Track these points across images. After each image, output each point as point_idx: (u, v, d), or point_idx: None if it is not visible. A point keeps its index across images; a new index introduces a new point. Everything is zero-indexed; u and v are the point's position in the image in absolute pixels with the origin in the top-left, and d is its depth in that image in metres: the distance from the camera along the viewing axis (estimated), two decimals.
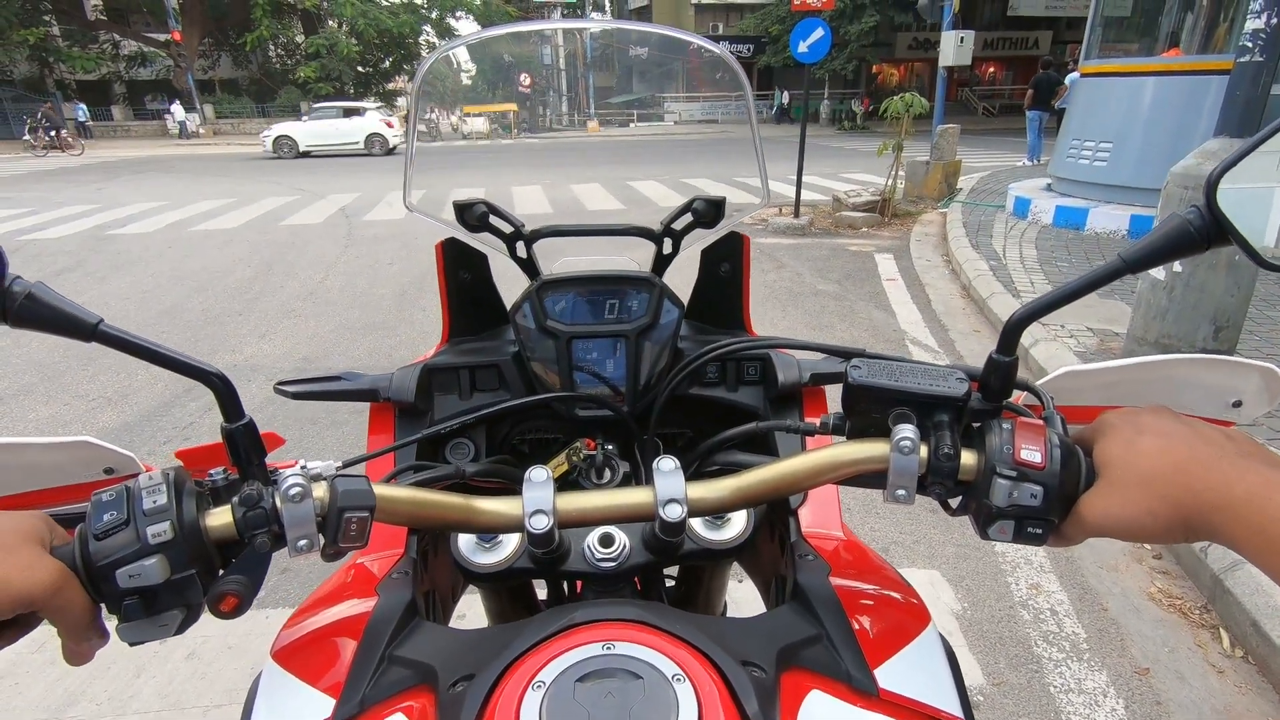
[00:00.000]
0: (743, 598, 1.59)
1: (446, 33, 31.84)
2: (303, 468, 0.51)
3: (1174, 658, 1.87)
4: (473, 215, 0.75)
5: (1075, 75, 8.81)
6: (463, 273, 0.84)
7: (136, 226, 8.43)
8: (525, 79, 36.40)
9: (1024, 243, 6.12)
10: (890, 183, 7.85)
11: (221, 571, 0.45)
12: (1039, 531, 0.46)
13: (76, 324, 0.46)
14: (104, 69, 27.44)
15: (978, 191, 8.98)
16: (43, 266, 6.43)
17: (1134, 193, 6.19)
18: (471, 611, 0.83)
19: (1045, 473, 0.44)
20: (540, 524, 0.49)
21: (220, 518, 0.45)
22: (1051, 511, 0.45)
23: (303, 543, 0.45)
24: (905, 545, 2.36)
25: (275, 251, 6.99)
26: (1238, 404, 0.58)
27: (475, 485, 0.74)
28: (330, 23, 27.48)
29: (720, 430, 0.69)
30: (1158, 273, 3.16)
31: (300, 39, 29.59)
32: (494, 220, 0.76)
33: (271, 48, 29.23)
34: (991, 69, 31.24)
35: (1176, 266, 3.05)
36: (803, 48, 7.01)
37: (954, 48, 8.67)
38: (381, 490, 0.48)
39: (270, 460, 0.54)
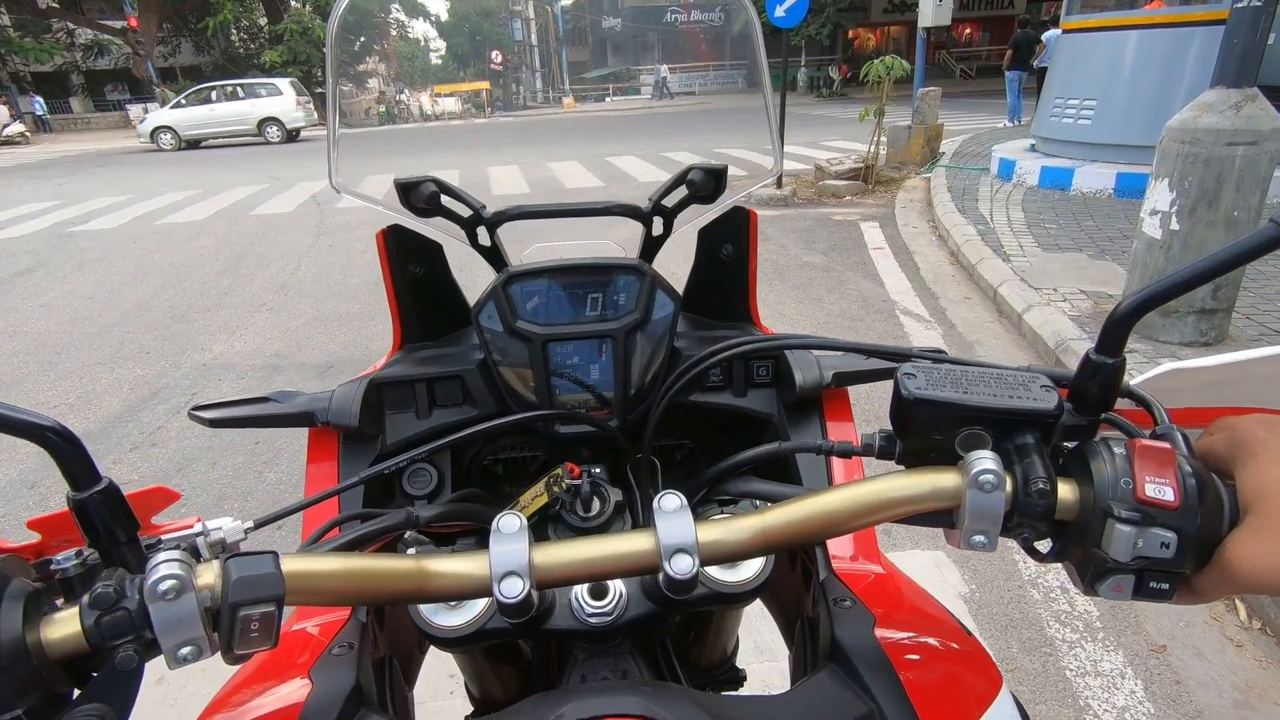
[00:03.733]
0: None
1: (415, 11, 31.04)
2: (200, 533, 0.40)
3: (1190, 633, 1.81)
4: (420, 197, 0.62)
5: (1054, 33, 8.68)
6: (413, 266, 0.71)
7: (100, 222, 8.14)
8: (497, 56, 35.60)
9: (1010, 205, 6.03)
10: (872, 149, 7.72)
11: (76, 694, 0.34)
12: (1166, 587, 0.36)
13: None
14: (59, 59, 26.51)
15: (961, 155, 8.87)
16: (1, 268, 6.17)
17: (1120, 150, 6.10)
18: (446, 660, 0.71)
19: (1179, 513, 0.34)
20: (513, 590, 0.38)
21: (65, 627, 0.33)
22: (1185, 563, 0.35)
23: (185, 651, 0.33)
24: (903, 526, 2.28)
25: (245, 243, 6.77)
26: None
27: (434, 532, 0.63)
28: (295, 4, 26.65)
29: (725, 440, 0.58)
30: (1154, 231, 3.08)
31: (263, 21, 28.71)
32: (447, 202, 0.63)
33: (234, 32, 28.34)
34: (968, 30, 30.95)
35: (1174, 224, 2.97)
36: (780, 12, 6.82)
37: (933, 8, 8.48)
38: (298, 565, 0.36)
39: (161, 521, 0.42)
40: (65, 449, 0.35)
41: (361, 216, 7.63)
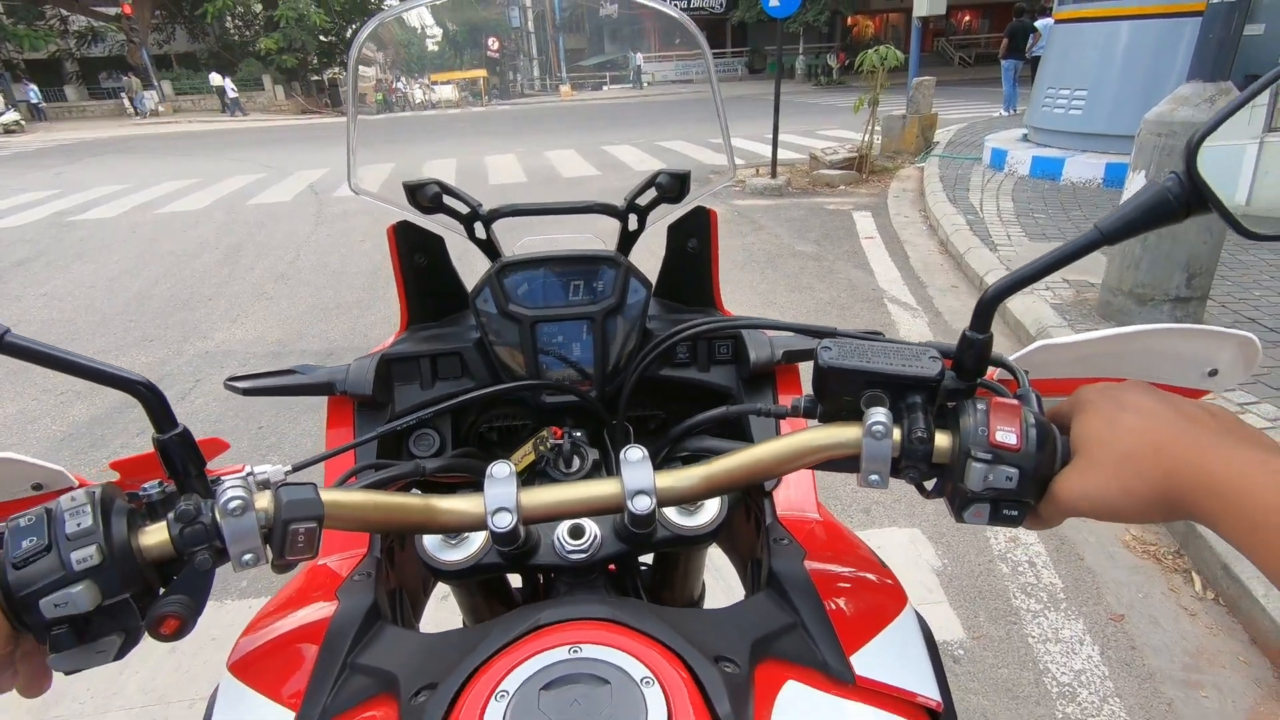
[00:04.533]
0: (727, 569, 1.60)
1: None
2: (249, 474, 0.49)
3: (1148, 603, 1.92)
4: (425, 196, 0.71)
5: (1048, 22, 8.71)
6: (418, 257, 0.81)
7: (98, 211, 8.19)
8: (494, 44, 35.46)
9: (1001, 195, 6.11)
10: (866, 138, 7.78)
11: (162, 591, 0.43)
12: (1015, 514, 0.45)
13: None
14: (53, 47, 26.35)
15: (955, 144, 8.93)
16: (1, 258, 6.24)
17: (1109, 140, 6.17)
18: (448, 603, 0.81)
19: (1021, 454, 0.43)
20: (503, 522, 0.47)
21: (156, 535, 0.42)
22: (1027, 494, 0.44)
23: (247, 557, 0.42)
24: (885, 504, 2.38)
25: (244, 232, 6.83)
26: (1213, 373, 0.57)
27: (438, 481, 0.72)
28: None
29: (693, 411, 0.67)
30: None
31: (258, 8, 28.52)
32: (449, 201, 0.73)
33: (229, 19, 28.17)
34: (967, 17, 30.87)
35: None
36: (774, 1, 6.85)
37: None
38: (332, 496, 0.46)
39: (214, 467, 0.51)
40: (153, 400, 0.45)
41: (358, 206, 7.69)
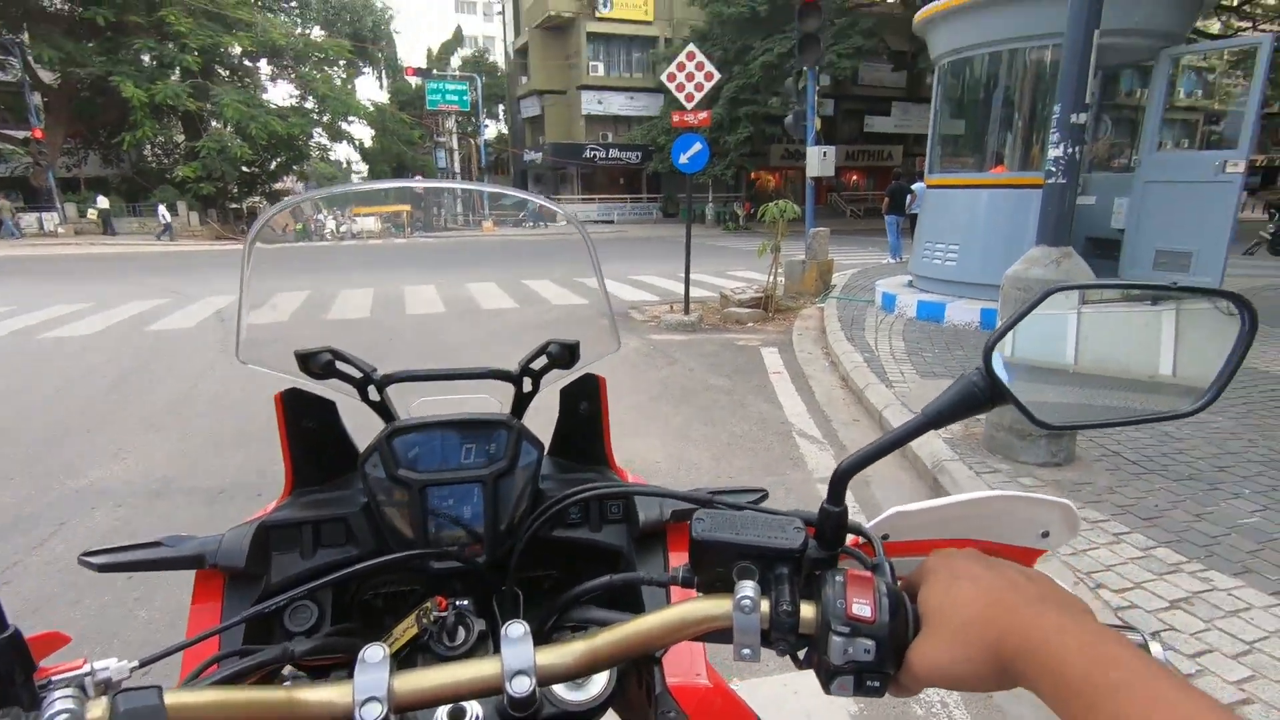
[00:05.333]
0: None
1: (339, 135, 31.88)
2: (88, 673, 0.45)
3: None
4: (317, 365, 0.72)
5: (922, 185, 9.92)
6: (307, 421, 0.80)
7: None
8: (419, 181, 36.76)
9: (893, 335, 6.63)
10: (771, 280, 8.38)
11: None
12: (877, 685, 0.46)
13: None
14: None
15: (850, 288, 9.72)
16: None
17: (982, 288, 6.90)
18: None
19: (876, 626, 0.45)
20: (373, 714, 0.45)
21: None
22: (886, 664, 0.45)
23: None
24: None
25: (138, 359, 6.48)
26: (1046, 534, 0.64)
27: (309, 665, 0.68)
28: (215, 124, 26.88)
29: (586, 571, 0.68)
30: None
31: (180, 138, 28.69)
32: (342, 366, 0.74)
33: (149, 147, 28.13)
34: (855, 177, 34.62)
35: None
36: (684, 159, 7.53)
37: (819, 161, 9.58)
38: (178, 699, 0.42)
39: (50, 664, 0.47)
40: None
41: (273, 332, 7.48)
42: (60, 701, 0.39)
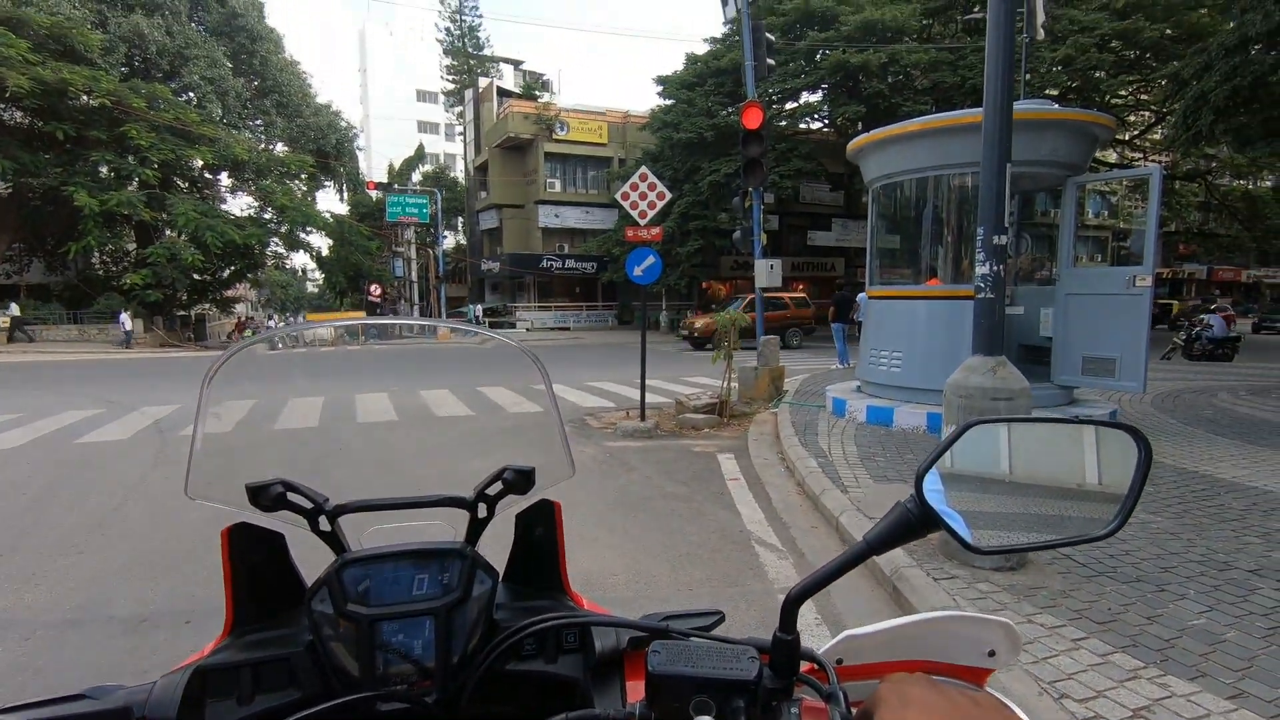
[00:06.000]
0: None
1: (296, 244, 32.16)
2: None
3: None
4: (268, 497, 0.71)
5: (864, 295, 10.46)
6: (253, 556, 0.77)
7: None
8: (375, 289, 37.05)
9: (845, 439, 6.75)
10: (725, 386, 8.54)
11: None
12: None
13: None
14: None
15: (802, 393, 9.96)
16: None
17: (926, 393, 7.16)
18: None
19: None
20: None
21: None
22: None
23: None
24: None
25: (63, 474, 6.11)
26: (992, 653, 0.66)
27: None
28: (169, 232, 26.88)
29: (542, 704, 0.66)
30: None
31: (131, 246, 28.51)
32: (293, 497, 0.73)
33: (97, 255, 27.81)
34: (800, 286, 36.26)
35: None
36: (638, 271, 7.81)
37: (766, 272, 10.05)
38: None
39: None
40: None
41: (221, 460, 7.18)
42: None
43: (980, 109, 3.92)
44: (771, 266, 10.04)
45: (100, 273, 28.74)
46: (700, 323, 21.20)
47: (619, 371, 13.44)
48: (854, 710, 0.51)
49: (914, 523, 0.53)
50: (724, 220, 24.76)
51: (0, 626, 3.25)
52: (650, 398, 8.45)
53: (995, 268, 3.58)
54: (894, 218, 8.71)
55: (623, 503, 5.15)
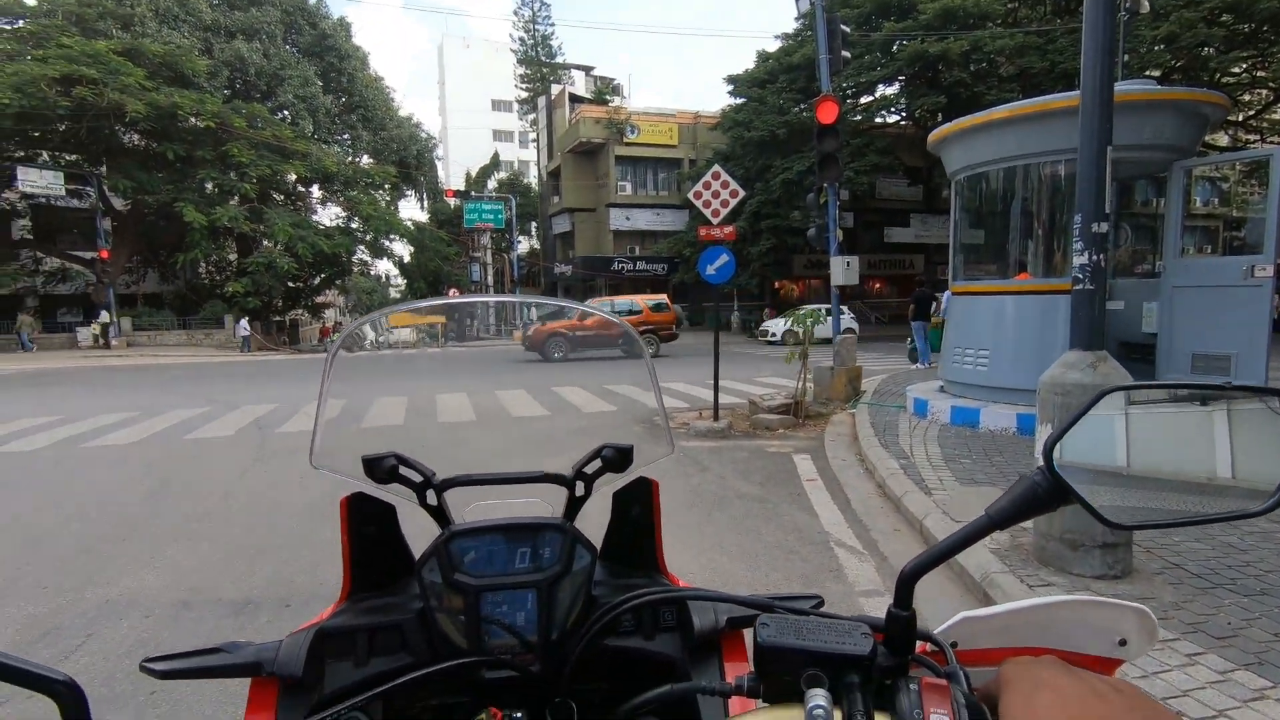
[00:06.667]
0: None
1: (380, 252, 33.68)
2: None
3: None
4: (382, 469, 0.75)
5: (948, 293, 10.04)
6: (367, 527, 0.81)
7: (20, 444, 7.84)
8: (454, 293, 38.32)
9: (928, 441, 6.50)
10: (800, 386, 8.37)
11: None
12: None
13: None
14: (19, 284, 27.13)
15: (880, 393, 9.66)
16: None
17: (1016, 393, 6.80)
18: None
19: None
20: None
21: None
22: None
23: None
24: None
25: (174, 468, 6.59)
26: (1123, 643, 0.61)
27: None
28: (266, 243, 28.66)
29: (639, 682, 0.66)
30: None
31: (233, 257, 30.55)
32: (404, 470, 0.76)
33: (203, 265, 29.94)
34: (878, 284, 35.20)
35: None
36: (711, 270, 7.77)
37: (842, 270, 9.80)
38: None
39: None
40: (72, 703, 0.42)
41: (304, 442, 7.59)
42: None
43: (1074, 93, 3.68)
44: (848, 264, 9.78)
45: (206, 281, 30.92)
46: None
47: (691, 372, 13.40)
48: (975, 693, 0.48)
49: (1043, 495, 0.50)
50: (796, 218, 24.28)
51: (126, 604, 3.53)
52: (723, 398, 8.37)
53: (1095, 257, 3.36)
54: (979, 210, 8.33)
55: (697, 503, 5.12)
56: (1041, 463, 0.51)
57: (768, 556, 4.09)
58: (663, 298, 21.76)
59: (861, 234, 32.01)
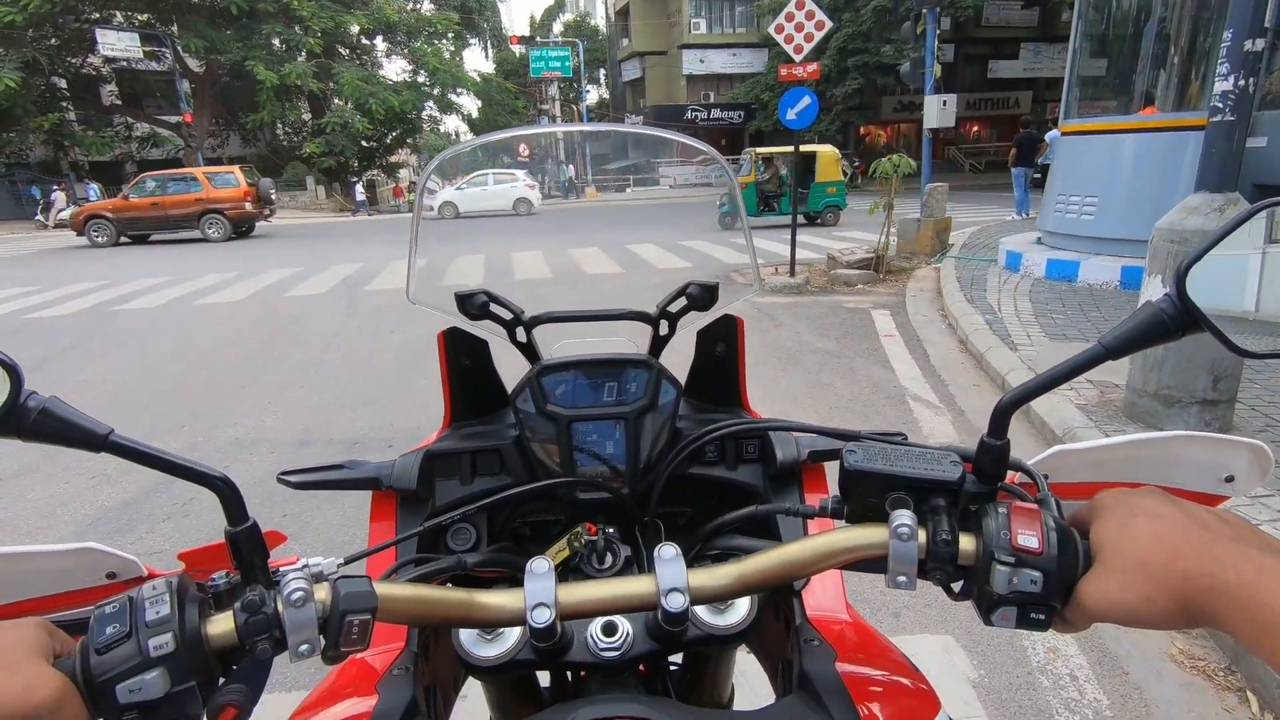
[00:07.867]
0: (752, 675, 1.54)
1: (448, 107, 33.02)
2: (304, 567, 0.51)
3: None
4: (474, 305, 0.77)
5: (1056, 133, 9.09)
6: (464, 360, 0.85)
7: (140, 302, 8.56)
8: (524, 149, 37.58)
9: (1018, 296, 6.19)
10: (883, 239, 8.00)
11: (221, 680, 0.45)
12: (1042, 618, 0.45)
13: (88, 436, 0.46)
14: (117, 150, 28.35)
15: (969, 246, 9.13)
16: (45, 345, 6.50)
17: (1123, 244, 6.29)
18: (473, 692, 0.81)
19: (1043, 558, 0.44)
20: (542, 617, 0.49)
21: (222, 625, 0.44)
22: (1053, 597, 0.45)
23: (304, 647, 0.44)
24: (917, 609, 2.30)
25: (278, 324, 7.08)
26: (1230, 479, 0.58)
27: (474, 576, 0.73)
28: (337, 101, 28.52)
29: (721, 509, 0.69)
30: None
31: (307, 117, 30.69)
32: (494, 308, 0.78)
33: (280, 126, 30.26)
34: (976, 128, 32.22)
35: None
36: (791, 115, 7.26)
37: (938, 111, 8.98)
38: (383, 589, 0.48)
39: (272, 559, 0.54)
40: (229, 495, 0.48)
41: (390, 299, 7.97)
42: (295, 581, 0.45)
43: None
44: (944, 103, 8.96)
45: (285, 143, 31.40)
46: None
47: (766, 227, 12.97)
48: (1066, 519, 0.48)
49: (1169, 323, 0.46)
50: (887, 54, 22.09)
51: (253, 441, 3.96)
52: (800, 254, 8.12)
53: (1242, 82, 2.92)
54: (1104, 35, 7.31)
55: (770, 358, 5.14)
56: (1167, 290, 0.47)
57: (841, 410, 4.12)
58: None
59: (962, 69, 28.89)
